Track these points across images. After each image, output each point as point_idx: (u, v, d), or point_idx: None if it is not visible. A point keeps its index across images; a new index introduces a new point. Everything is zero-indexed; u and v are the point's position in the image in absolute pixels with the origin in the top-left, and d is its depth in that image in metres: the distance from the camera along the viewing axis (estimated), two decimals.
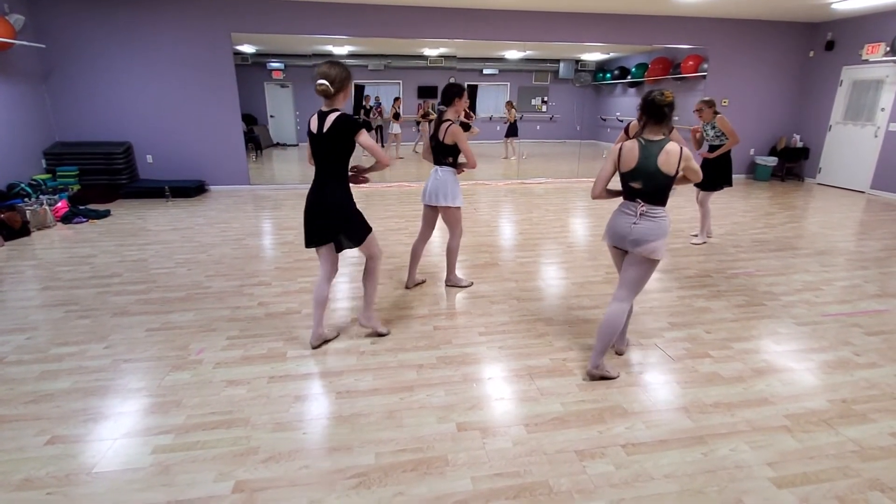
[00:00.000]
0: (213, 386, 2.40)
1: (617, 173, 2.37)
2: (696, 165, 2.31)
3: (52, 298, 3.44)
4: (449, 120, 3.24)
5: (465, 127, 11.46)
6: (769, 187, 8.02)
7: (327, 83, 2.38)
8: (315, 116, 2.48)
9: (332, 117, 2.39)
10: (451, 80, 3.40)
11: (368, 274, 2.80)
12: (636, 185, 2.29)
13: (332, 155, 2.47)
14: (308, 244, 2.63)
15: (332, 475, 1.85)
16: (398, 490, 1.78)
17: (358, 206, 2.63)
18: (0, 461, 1.90)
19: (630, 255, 2.35)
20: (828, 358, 2.73)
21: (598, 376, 2.47)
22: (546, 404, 2.29)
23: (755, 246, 4.78)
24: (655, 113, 2.23)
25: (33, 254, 4.43)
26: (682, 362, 2.67)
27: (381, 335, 2.92)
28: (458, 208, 3.40)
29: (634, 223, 2.29)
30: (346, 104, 2.51)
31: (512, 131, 11.14)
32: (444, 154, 3.31)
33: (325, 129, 2.40)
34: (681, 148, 2.22)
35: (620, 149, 2.31)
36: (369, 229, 2.68)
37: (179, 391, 2.36)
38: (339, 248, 2.67)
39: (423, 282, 3.78)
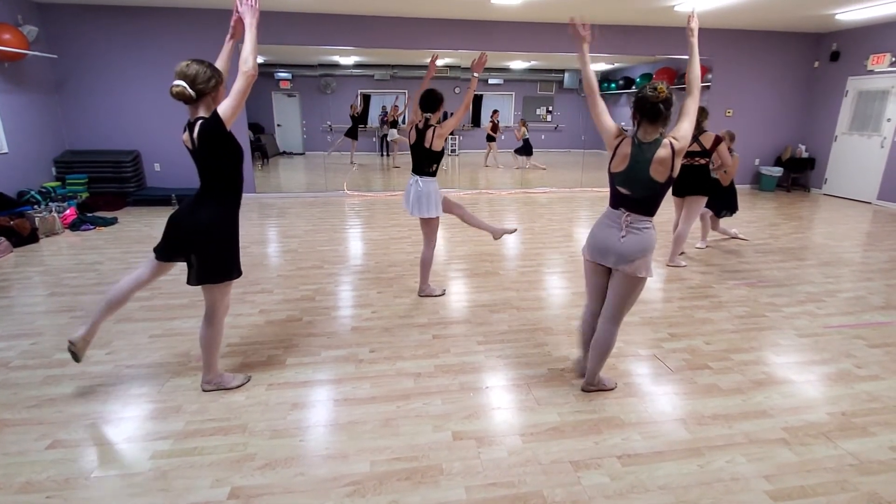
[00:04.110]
0: (212, 392, 2.42)
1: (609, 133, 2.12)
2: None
3: (57, 304, 3.49)
4: (433, 125, 3.24)
5: (490, 139, 11.30)
6: (774, 197, 7.99)
7: (184, 85, 1.97)
8: (186, 129, 2.08)
9: (196, 128, 2.02)
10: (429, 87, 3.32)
11: (208, 330, 2.31)
12: (624, 190, 2.07)
13: (209, 170, 2.10)
14: (159, 255, 2.24)
15: (328, 483, 1.86)
16: (392, 498, 1.78)
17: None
18: (2, 464, 1.93)
19: (614, 273, 2.18)
20: (829, 370, 2.71)
21: (593, 390, 2.46)
22: (542, 414, 2.29)
23: (759, 257, 4.76)
24: (649, 111, 1.96)
25: (41, 260, 4.50)
26: (680, 373, 2.66)
27: (239, 386, 2.48)
28: (437, 218, 3.41)
29: (622, 237, 2.08)
30: (211, 111, 2.06)
31: (525, 150, 10.71)
32: (430, 162, 3.30)
33: (196, 144, 2.04)
34: (670, 143, 1.97)
35: (620, 142, 2.08)
36: (229, 274, 2.23)
37: (179, 397, 2.39)
38: (189, 278, 2.21)
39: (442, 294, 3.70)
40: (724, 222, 5.26)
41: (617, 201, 2.13)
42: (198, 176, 2.14)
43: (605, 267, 2.22)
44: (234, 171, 2.15)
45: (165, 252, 2.24)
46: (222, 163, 2.10)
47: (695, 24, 2.19)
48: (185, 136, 2.09)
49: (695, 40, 2.18)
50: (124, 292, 2.30)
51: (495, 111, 11.57)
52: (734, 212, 4.89)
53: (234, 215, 2.21)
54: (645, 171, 2.00)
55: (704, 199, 4.30)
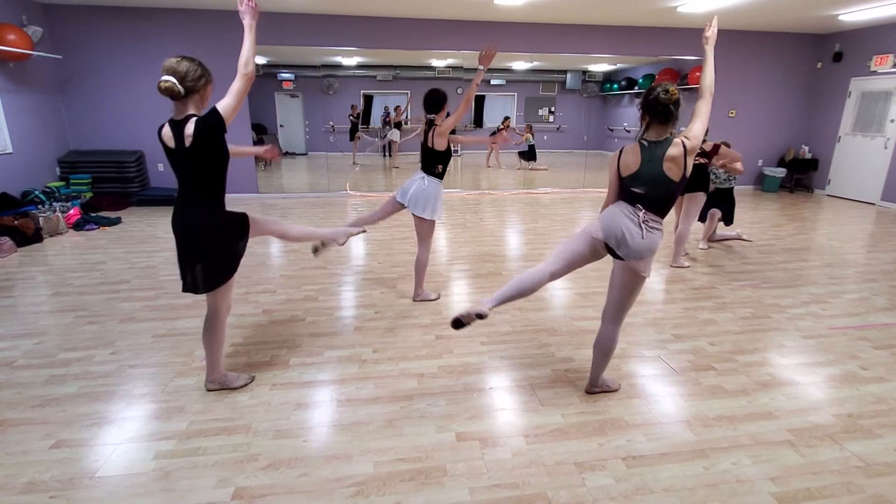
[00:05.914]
0: (215, 392, 2.42)
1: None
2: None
3: (61, 304, 3.50)
4: (436, 125, 3.21)
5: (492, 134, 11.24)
6: (778, 198, 7.97)
7: (174, 80, 1.96)
8: (167, 127, 2.02)
9: (189, 127, 1.95)
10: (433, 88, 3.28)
11: (210, 330, 2.30)
12: (638, 189, 2.04)
13: (202, 170, 2.04)
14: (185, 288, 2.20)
15: (331, 483, 1.85)
16: (396, 500, 1.78)
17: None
18: (6, 464, 1.93)
19: (619, 267, 2.15)
20: (834, 372, 2.70)
21: (597, 392, 2.46)
22: (546, 415, 2.28)
23: (762, 258, 4.74)
24: (661, 113, 1.97)
25: (45, 260, 4.51)
26: (685, 375, 2.65)
27: (243, 386, 2.48)
28: (434, 222, 3.34)
29: (641, 235, 2.03)
30: (204, 110, 2.04)
31: (530, 155, 10.64)
32: (434, 162, 3.27)
33: (187, 144, 1.96)
34: (682, 142, 1.98)
35: (620, 153, 2.08)
36: (231, 273, 2.22)
37: (183, 397, 2.39)
38: (185, 286, 2.18)
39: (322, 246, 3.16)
40: (723, 227, 5.25)
41: (632, 199, 2.08)
42: (179, 177, 2.07)
43: (602, 250, 2.14)
44: (225, 170, 2.11)
45: (181, 268, 2.17)
46: (217, 160, 2.05)
47: (710, 34, 2.18)
48: (168, 134, 2.01)
49: (709, 48, 2.17)
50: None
51: (507, 118, 11.57)
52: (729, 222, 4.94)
53: (224, 212, 2.18)
54: (658, 168, 1.99)
55: (703, 197, 4.31)
